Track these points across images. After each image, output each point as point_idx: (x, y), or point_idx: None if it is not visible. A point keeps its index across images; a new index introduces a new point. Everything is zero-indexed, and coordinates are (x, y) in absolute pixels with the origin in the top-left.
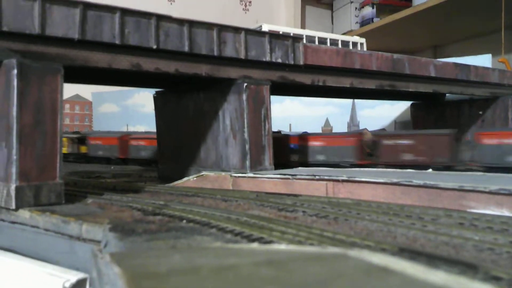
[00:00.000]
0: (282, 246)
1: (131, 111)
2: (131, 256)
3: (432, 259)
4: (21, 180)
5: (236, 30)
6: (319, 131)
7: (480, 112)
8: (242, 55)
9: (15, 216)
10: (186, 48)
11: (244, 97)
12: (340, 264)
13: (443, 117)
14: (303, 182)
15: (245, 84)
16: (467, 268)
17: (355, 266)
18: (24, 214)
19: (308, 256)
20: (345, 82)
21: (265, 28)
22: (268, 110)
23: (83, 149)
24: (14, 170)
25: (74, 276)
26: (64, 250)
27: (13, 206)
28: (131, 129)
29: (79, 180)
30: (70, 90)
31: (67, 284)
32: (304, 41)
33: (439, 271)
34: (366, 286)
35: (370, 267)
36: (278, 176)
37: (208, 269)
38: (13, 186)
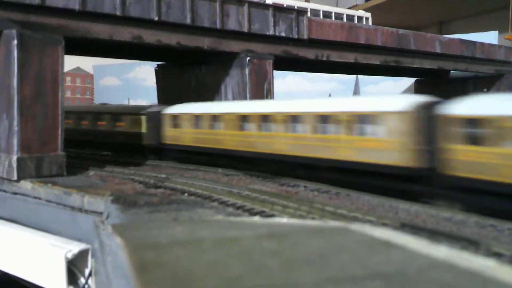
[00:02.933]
0: (284, 220)
1: (132, 84)
2: (133, 228)
3: (434, 235)
4: (22, 152)
5: (240, 2)
6: None
7: (485, 90)
8: (245, 28)
9: (17, 187)
10: (188, 21)
11: (247, 71)
12: (342, 238)
13: (447, 93)
14: None
15: (248, 58)
16: (469, 244)
17: (357, 240)
18: (26, 185)
19: (309, 229)
20: (349, 57)
21: (269, 0)
22: (271, 84)
23: None
24: (15, 141)
25: (76, 247)
26: (66, 221)
27: (15, 177)
28: (132, 102)
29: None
30: (71, 62)
31: (69, 255)
32: (309, 14)
33: (441, 246)
34: (368, 259)
35: (372, 241)
36: None
37: (210, 241)
38: (14, 158)
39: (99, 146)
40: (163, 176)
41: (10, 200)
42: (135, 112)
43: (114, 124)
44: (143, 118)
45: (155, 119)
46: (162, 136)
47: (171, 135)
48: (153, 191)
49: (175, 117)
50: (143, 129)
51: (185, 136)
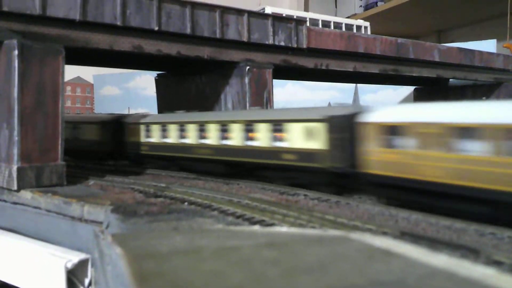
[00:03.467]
0: (284, 229)
1: (133, 94)
2: (133, 237)
3: (434, 243)
4: (23, 161)
5: (239, 12)
6: None
7: (484, 98)
8: (244, 38)
9: (17, 197)
10: (188, 30)
11: (247, 80)
12: (342, 246)
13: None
14: None
15: (248, 67)
16: (469, 252)
17: (357, 249)
18: (26, 195)
19: (309, 238)
20: (348, 66)
21: (268, 10)
22: (270, 93)
23: None
24: (15, 151)
25: (76, 257)
26: (66, 231)
27: (15, 187)
28: (133, 112)
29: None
30: (71, 72)
31: (69, 265)
32: (308, 24)
33: (441, 254)
34: (368, 268)
35: (372, 250)
36: None
37: (210, 250)
38: (15, 167)
39: (252, 171)
40: (163, 185)
41: (10, 210)
42: (308, 118)
43: (273, 136)
44: (324, 126)
45: (344, 128)
46: (360, 159)
47: (382, 159)
48: (153, 200)
49: (394, 128)
50: (323, 145)
51: (427, 165)
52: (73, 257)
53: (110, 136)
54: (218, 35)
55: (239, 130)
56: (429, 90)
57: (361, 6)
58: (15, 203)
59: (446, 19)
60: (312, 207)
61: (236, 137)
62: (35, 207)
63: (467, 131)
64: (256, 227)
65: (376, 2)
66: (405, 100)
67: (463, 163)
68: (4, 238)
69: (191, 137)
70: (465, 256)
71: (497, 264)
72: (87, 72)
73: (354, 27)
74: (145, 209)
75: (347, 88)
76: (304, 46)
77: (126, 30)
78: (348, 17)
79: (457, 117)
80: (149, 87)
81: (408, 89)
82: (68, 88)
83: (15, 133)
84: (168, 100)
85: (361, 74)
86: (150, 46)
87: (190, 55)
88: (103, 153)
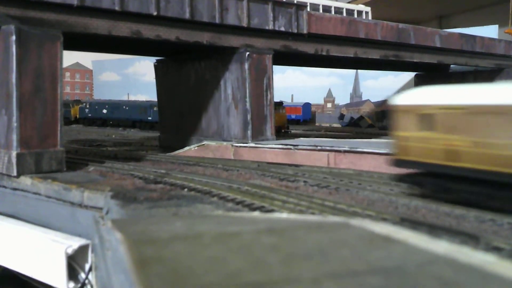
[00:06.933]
0: (284, 215)
1: (132, 79)
2: (133, 223)
3: (433, 229)
4: (22, 147)
5: None
6: (321, 102)
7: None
8: (244, 23)
9: (16, 183)
10: (187, 15)
11: (246, 66)
12: (342, 233)
13: None
14: (304, 153)
15: (247, 53)
16: (469, 238)
17: (357, 235)
18: (26, 181)
19: (309, 224)
20: (349, 51)
21: None
22: (270, 79)
23: None
24: (14, 137)
25: (76, 242)
26: (66, 216)
27: (15, 173)
28: (132, 98)
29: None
30: (70, 58)
31: (69, 250)
32: (308, 9)
33: (441, 241)
34: (368, 254)
35: (372, 236)
36: (280, 146)
37: (210, 236)
38: (14, 153)
39: None
40: (163, 171)
41: (10, 196)
42: None
43: None
44: None
45: None
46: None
47: None
48: (153, 186)
49: None
50: None
51: None
52: (73, 243)
53: None
54: (217, 20)
55: None
56: (430, 76)
57: None
58: (15, 189)
59: (448, 4)
60: (311, 193)
61: None
62: (35, 193)
63: None
64: (256, 213)
65: None
66: (406, 86)
67: None
68: (4, 224)
69: None
70: (465, 242)
71: (496, 250)
72: (86, 58)
73: (355, 12)
74: (145, 195)
75: (348, 74)
76: (305, 31)
77: (125, 15)
78: (349, 2)
79: None
80: (148, 73)
81: (409, 75)
82: (67, 74)
83: (14, 119)
84: (168, 85)
85: (362, 60)
86: (149, 32)
87: (189, 41)
88: None
